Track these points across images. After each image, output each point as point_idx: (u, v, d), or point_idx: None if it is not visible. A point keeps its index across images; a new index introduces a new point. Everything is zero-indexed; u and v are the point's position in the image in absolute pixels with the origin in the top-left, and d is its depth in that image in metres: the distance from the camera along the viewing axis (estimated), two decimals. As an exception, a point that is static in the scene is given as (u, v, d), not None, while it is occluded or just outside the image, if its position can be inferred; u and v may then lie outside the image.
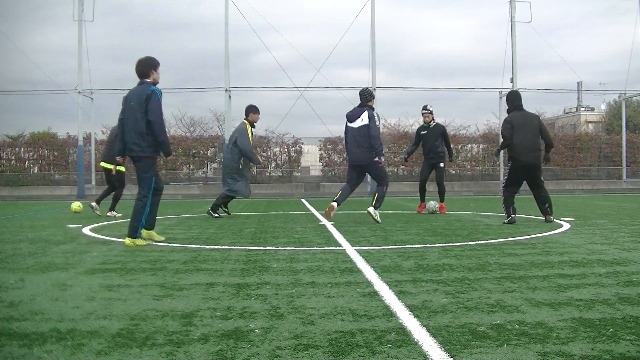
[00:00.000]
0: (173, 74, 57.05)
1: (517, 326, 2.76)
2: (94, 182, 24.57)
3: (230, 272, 4.34)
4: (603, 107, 47.95)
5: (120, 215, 10.34)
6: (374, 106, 8.69)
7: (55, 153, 27.80)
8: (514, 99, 8.48)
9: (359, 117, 8.52)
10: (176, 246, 6.00)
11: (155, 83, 6.14)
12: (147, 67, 6.13)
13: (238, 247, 5.87)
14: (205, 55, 57.31)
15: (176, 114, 46.17)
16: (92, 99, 24.09)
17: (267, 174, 28.43)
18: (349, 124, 8.61)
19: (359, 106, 8.66)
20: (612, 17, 68.55)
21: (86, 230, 7.77)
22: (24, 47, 52.16)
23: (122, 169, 10.42)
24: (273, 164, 28.67)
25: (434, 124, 11.01)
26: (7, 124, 48.39)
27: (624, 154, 27.33)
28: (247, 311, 3.12)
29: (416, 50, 64.00)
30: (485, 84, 45.80)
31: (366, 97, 8.64)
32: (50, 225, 8.78)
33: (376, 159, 8.51)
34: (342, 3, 53.18)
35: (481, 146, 28.87)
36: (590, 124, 46.23)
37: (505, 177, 8.38)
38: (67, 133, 28.30)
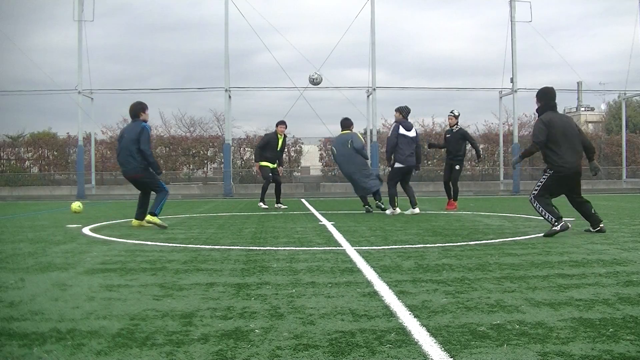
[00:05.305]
0: (173, 74, 57.15)
1: (517, 326, 2.76)
2: (93, 182, 24.56)
3: (230, 272, 4.34)
4: (603, 107, 47.96)
5: (285, 207, 12.60)
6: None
7: (55, 153, 27.79)
8: (549, 97, 6.90)
9: (412, 128, 10.29)
10: (176, 246, 6.00)
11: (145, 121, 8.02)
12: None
13: (238, 247, 5.87)
14: (205, 55, 57.35)
15: (176, 113, 46.29)
16: (92, 99, 24.07)
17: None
18: (406, 132, 10.15)
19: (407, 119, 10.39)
20: (612, 18, 68.70)
21: (86, 230, 7.77)
22: (24, 47, 52.19)
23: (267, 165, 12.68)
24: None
25: (457, 128, 11.98)
26: (7, 124, 48.46)
27: (624, 154, 27.32)
28: (247, 311, 3.12)
29: (416, 50, 64.07)
30: (485, 84, 45.64)
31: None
32: (50, 225, 8.78)
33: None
34: (342, 3, 53.17)
35: (481, 146, 28.83)
36: (590, 124, 46.22)
37: (539, 186, 6.76)
38: (67, 133, 28.34)
